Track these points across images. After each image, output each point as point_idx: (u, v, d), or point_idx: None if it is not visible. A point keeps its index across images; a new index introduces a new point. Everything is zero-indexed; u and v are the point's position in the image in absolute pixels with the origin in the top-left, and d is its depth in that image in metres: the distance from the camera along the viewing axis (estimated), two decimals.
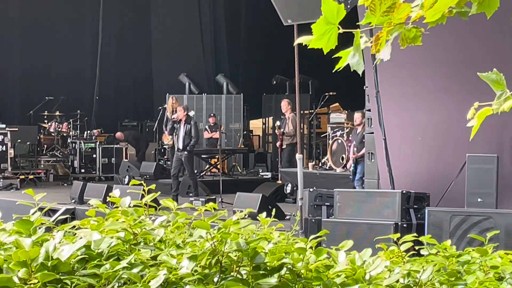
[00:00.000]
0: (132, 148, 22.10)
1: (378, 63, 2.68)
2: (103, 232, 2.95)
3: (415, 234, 3.47)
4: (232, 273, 2.73)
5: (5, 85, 22.62)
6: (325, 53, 2.57)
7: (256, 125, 24.43)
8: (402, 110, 10.97)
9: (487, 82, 2.39)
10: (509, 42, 9.86)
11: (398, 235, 3.47)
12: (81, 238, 2.86)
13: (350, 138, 15.93)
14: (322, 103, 19.34)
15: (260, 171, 21.05)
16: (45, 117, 21.82)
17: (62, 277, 2.58)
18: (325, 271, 2.90)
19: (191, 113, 17.29)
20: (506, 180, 9.78)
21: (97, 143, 21.19)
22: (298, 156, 10.89)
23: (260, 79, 23.31)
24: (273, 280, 2.69)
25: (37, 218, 3.02)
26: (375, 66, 10.61)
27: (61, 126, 21.55)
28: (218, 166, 18.50)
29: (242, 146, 21.35)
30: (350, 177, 14.81)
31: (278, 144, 18.38)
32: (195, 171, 19.35)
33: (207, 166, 19.73)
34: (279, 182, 17.10)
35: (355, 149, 14.75)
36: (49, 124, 21.63)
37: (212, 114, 20.82)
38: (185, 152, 15.83)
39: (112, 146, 21.39)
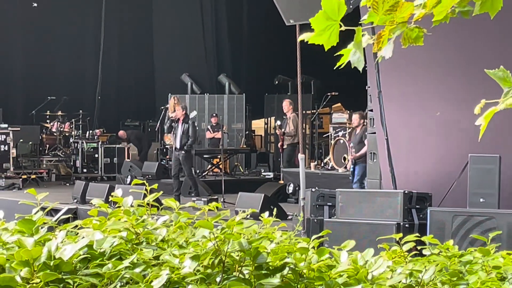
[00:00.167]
0: (134, 148, 22.11)
1: (380, 61, 2.67)
2: (105, 232, 2.95)
3: (417, 234, 3.47)
4: (234, 273, 2.73)
5: (8, 85, 22.64)
6: (326, 50, 2.56)
7: (258, 125, 24.44)
8: (404, 110, 10.96)
9: (494, 79, 2.39)
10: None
11: (400, 235, 3.46)
12: (83, 237, 2.86)
13: (352, 138, 15.93)
14: (324, 103, 19.35)
15: (262, 171, 21.05)
16: (48, 117, 21.85)
17: (64, 277, 2.58)
18: (327, 271, 2.90)
19: (194, 114, 17.31)
20: (509, 180, 9.77)
21: (99, 143, 21.21)
22: (300, 156, 10.89)
23: (262, 79, 23.32)
24: (276, 280, 2.69)
25: (40, 218, 3.02)
26: (377, 67, 10.61)
27: (63, 126, 21.58)
28: (220, 166, 18.50)
29: (244, 146, 21.36)
30: (350, 178, 14.80)
31: (279, 144, 18.39)
32: (197, 171, 19.41)
33: (209, 166, 19.74)
34: (281, 182, 17.10)
35: (353, 150, 14.75)
36: (51, 124, 21.65)
37: (214, 114, 20.83)
38: (183, 152, 15.78)
39: (114, 146, 21.40)
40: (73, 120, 21.71)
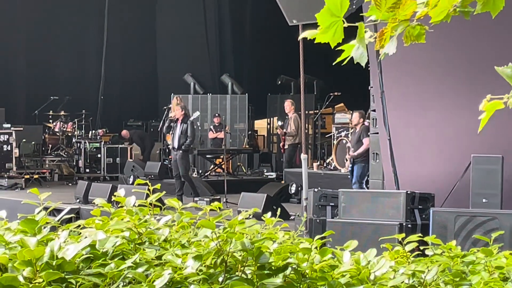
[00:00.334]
0: (137, 148, 22.11)
1: (383, 58, 2.67)
2: (108, 232, 2.95)
3: (420, 235, 3.47)
4: (237, 273, 2.73)
5: (10, 84, 22.64)
6: (332, 47, 2.56)
7: (260, 125, 24.43)
8: (407, 110, 10.96)
9: (503, 76, 2.38)
10: None
11: (403, 235, 3.46)
12: (86, 237, 2.86)
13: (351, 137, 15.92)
14: (327, 103, 19.33)
15: (265, 171, 21.05)
16: (50, 116, 21.85)
17: (67, 276, 2.58)
18: (330, 271, 2.90)
19: (197, 114, 17.28)
20: (511, 181, 9.76)
21: (102, 143, 21.22)
22: (303, 156, 10.89)
23: (265, 79, 23.31)
24: (278, 280, 2.69)
25: (42, 218, 3.02)
26: (380, 67, 10.60)
27: (66, 126, 21.58)
28: (223, 166, 18.49)
29: (247, 146, 21.35)
30: (349, 177, 14.75)
31: (281, 144, 18.38)
32: (200, 171, 19.41)
33: (212, 166, 19.74)
34: (283, 182, 17.09)
35: (352, 149, 14.72)
36: (54, 124, 21.65)
37: (217, 114, 20.82)
38: (180, 151, 15.72)
39: (117, 146, 21.41)
40: (75, 120, 21.71)
